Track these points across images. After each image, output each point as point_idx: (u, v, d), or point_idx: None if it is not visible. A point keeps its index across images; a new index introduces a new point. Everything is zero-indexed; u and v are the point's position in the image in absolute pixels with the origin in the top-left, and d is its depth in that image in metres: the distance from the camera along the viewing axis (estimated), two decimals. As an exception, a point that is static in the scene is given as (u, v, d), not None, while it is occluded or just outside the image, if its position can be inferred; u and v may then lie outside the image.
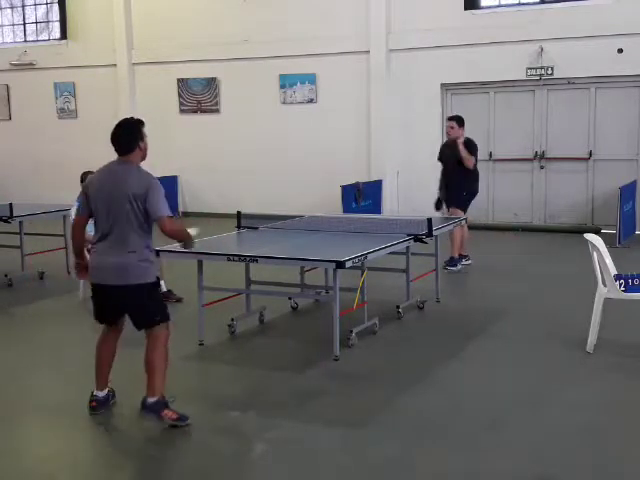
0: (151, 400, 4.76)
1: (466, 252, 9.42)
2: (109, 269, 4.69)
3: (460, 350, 6.20)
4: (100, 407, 4.97)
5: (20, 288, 8.82)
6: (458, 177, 9.14)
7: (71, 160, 14.92)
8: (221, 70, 14.66)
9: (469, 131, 9.23)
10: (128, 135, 4.76)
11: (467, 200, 9.27)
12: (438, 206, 9.51)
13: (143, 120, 4.86)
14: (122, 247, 4.66)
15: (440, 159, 9.49)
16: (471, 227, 9.30)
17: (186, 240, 4.92)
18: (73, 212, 7.79)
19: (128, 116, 5.10)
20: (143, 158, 4.82)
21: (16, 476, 4.19)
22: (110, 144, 4.75)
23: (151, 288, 4.75)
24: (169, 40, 14.78)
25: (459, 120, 9.21)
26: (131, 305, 4.77)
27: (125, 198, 4.60)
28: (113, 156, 4.78)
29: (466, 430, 4.62)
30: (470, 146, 9.12)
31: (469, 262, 9.41)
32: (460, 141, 9.05)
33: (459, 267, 9.19)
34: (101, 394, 4.99)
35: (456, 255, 9.19)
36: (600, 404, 5.02)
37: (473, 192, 9.36)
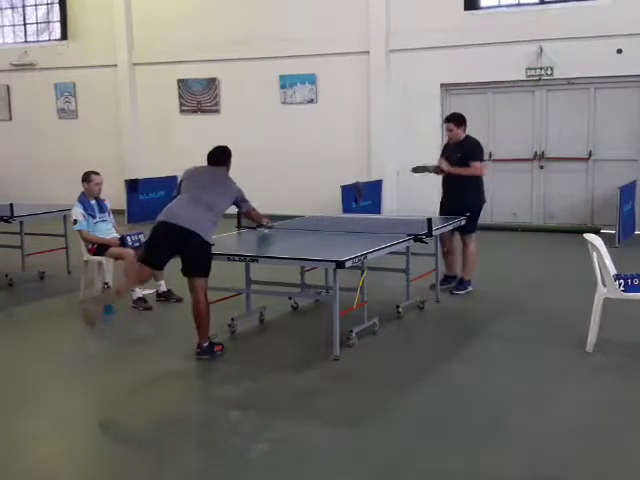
0: (205, 344, 5.91)
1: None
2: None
3: (460, 350, 6.20)
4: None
5: (20, 288, 8.82)
6: (461, 186, 7.86)
7: (71, 160, 14.91)
8: (221, 70, 14.66)
9: (470, 131, 8.93)
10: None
11: (474, 219, 7.93)
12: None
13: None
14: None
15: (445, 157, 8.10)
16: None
17: None
18: (74, 213, 7.77)
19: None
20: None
21: (16, 476, 4.19)
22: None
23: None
24: (169, 40, 14.78)
25: (457, 119, 7.99)
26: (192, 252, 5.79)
27: None
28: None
29: (466, 430, 4.62)
30: (474, 147, 8.02)
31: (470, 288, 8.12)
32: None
33: (468, 290, 7.99)
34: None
35: (467, 277, 8.01)
36: (600, 404, 5.02)
37: (479, 204, 8.08)
